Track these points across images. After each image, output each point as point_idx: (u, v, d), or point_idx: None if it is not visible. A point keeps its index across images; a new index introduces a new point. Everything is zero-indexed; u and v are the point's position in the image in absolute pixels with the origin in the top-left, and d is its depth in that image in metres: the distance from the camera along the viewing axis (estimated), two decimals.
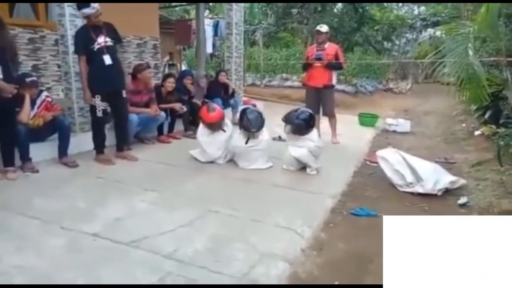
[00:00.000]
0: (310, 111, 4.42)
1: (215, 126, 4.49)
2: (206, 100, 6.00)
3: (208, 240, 2.64)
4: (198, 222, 2.91)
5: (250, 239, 2.66)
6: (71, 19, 4.37)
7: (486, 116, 5.98)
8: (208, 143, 4.44)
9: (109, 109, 4.23)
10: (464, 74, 3.31)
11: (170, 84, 5.43)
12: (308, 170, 4.17)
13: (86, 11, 3.92)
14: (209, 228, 2.83)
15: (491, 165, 4.27)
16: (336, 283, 2.28)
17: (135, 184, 3.66)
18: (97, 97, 4.09)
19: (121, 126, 4.46)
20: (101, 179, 3.80)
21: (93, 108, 4.16)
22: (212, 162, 4.45)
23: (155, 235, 2.66)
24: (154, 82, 7.16)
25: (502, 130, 4.07)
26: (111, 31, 4.16)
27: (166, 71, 10.73)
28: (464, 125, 7.33)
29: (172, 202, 3.29)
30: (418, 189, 3.69)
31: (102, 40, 4.03)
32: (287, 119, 4.28)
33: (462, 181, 3.84)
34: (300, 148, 4.13)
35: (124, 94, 4.33)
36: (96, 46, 4.01)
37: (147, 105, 5.00)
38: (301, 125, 4.18)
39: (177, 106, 5.50)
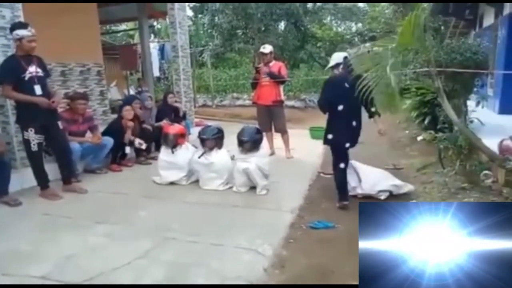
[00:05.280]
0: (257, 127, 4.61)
1: (175, 139, 4.56)
2: (157, 124, 5.91)
3: (167, 269, 2.55)
4: (155, 251, 2.81)
5: (211, 264, 2.60)
6: (3, 50, 4.13)
7: (426, 122, 6.39)
8: (169, 163, 4.49)
9: (44, 142, 4.02)
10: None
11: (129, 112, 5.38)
12: (257, 190, 4.12)
13: (21, 32, 3.71)
14: (167, 257, 2.73)
15: (435, 168, 4.54)
16: None
17: (86, 218, 3.47)
18: (31, 130, 3.86)
19: (63, 158, 4.25)
20: (48, 215, 3.57)
21: (27, 142, 3.92)
22: (173, 183, 4.44)
23: (110, 271, 2.52)
24: (102, 109, 6.98)
25: (440, 135, 4.36)
26: (41, 63, 3.99)
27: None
28: (407, 131, 7.76)
29: (126, 233, 3.15)
30: (358, 190, 3.86)
31: (33, 70, 3.84)
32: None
33: (409, 186, 4.04)
34: (249, 163, 4.10)
35: (60, 125, 4.14)
36: (28, 75, 3.80)
37: (85, 133, 4.93)
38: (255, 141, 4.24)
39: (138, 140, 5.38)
